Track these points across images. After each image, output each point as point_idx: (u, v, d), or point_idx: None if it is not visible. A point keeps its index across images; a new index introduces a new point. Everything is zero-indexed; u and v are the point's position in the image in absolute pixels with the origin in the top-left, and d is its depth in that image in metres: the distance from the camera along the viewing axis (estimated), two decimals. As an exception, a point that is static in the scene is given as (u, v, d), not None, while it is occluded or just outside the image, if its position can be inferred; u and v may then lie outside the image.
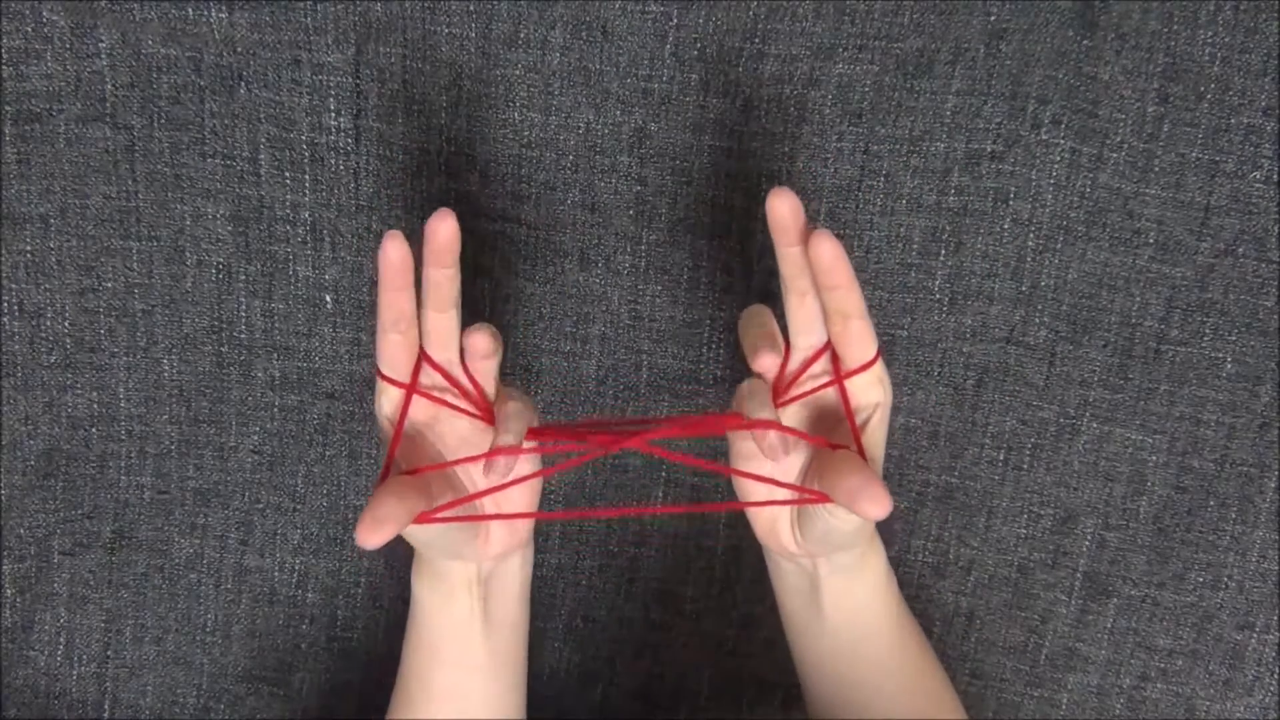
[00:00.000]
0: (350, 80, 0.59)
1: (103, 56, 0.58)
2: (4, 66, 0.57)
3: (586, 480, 0.66)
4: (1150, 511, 0.65)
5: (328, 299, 0.62)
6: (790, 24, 0.58)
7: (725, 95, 0.60)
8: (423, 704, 0.54)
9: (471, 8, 0.58)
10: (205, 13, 0.57)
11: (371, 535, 0.43)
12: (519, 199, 0.61)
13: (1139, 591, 0.67)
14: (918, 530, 0.67)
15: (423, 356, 0.48)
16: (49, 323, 0.62)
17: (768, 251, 0.61)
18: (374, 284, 0.62)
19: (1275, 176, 0.60)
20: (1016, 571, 0.67)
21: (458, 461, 0.48)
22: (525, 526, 0.52)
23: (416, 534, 0.48)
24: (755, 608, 0.67)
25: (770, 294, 0.59)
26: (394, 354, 0.48)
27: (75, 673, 0.67)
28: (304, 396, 0.64)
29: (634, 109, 0.60)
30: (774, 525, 0.53)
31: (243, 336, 0.63)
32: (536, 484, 0.52)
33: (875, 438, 0.50)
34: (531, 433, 0.48)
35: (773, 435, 0.47)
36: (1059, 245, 0.62)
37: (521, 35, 0.58)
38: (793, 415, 0.51)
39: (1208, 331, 0.63)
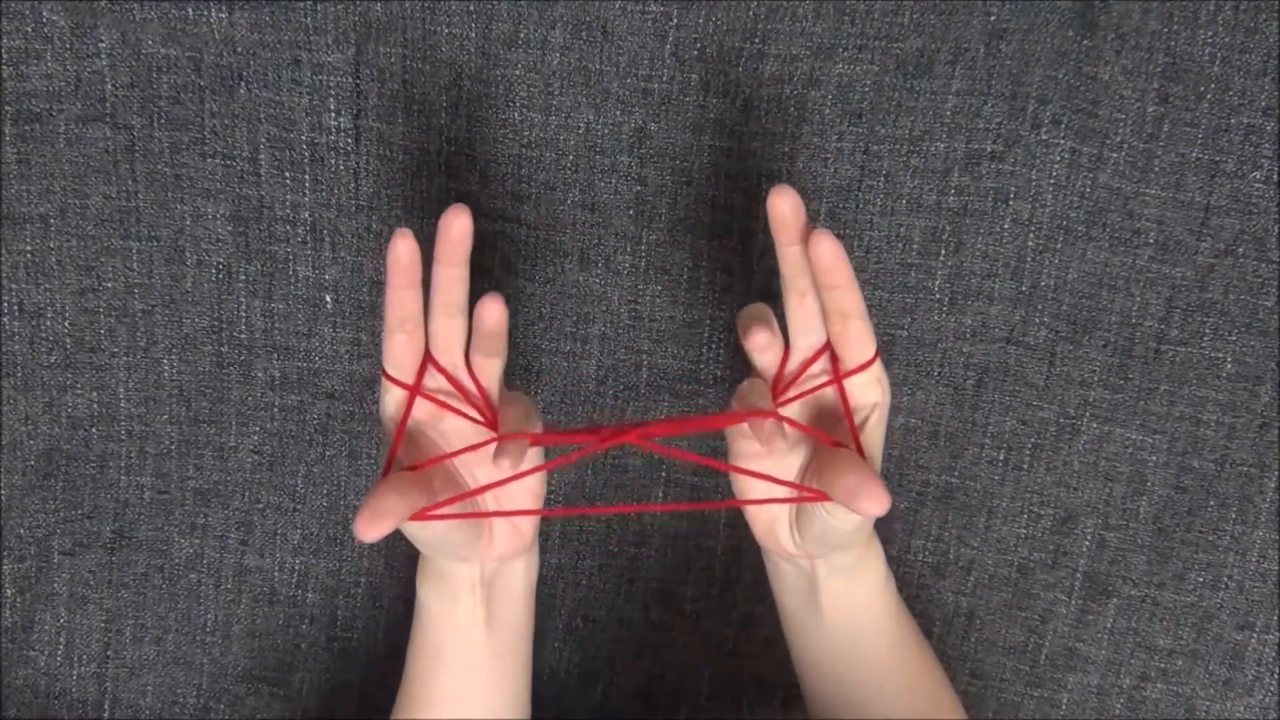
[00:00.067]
0: (350, 80, 0.59)
1: (103, 56, 0.58)
2: (4, 66, 0.57)
3: (586, 480, 0.66)
4: (1150, 511, 0.65)
5: (328, 299, 0.62)
6: (790, 24, 0.58)
7: (725, 95, 0.60)
8: (425, 706, 0.54)
9: (471, 8, 0.58)
10: (205, 13, 0.57)
11: (370, 528, 0.43)
12: (519, 199, 0.61)
13: (1139, 591, 0.67)
14: (918, 530, 0.67)
15: (428, 359, 0.48)
16: (49, 323, 0.62)
17: (768, 251, 0.61)
18: (374, 284, 0.62)
19: (1275, 176, 0.60)
20: (1016, 571, 0.67)
21: (462, 451, 0.48)
22: (529, 529, 0.52)
23: (418, 534, 0.48)
24: (755, 608, 0.67)
25: (770, 294, 0.59)
26: (400, 355, 0.48)
27: (75, 673, 0.67)
28: (304, 396, 0.64)
29: (634, 109, 0.60)
30: (773, 526, 0.53)
31: (243, 336, 0.63)
32: (539, 489, 0.52)
33: (873, 438, 0.50)
34: (534, 439, 0.48)
35: (769, 422, 0.47)
36: (1059, 245, 0.62)
37: (521, 35, 0.58)
38: (791, 415, 0.51)
39: (1208, 331, 0.63)
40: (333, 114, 0.59)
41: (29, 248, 0.60)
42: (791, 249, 0.47)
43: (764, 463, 0.51)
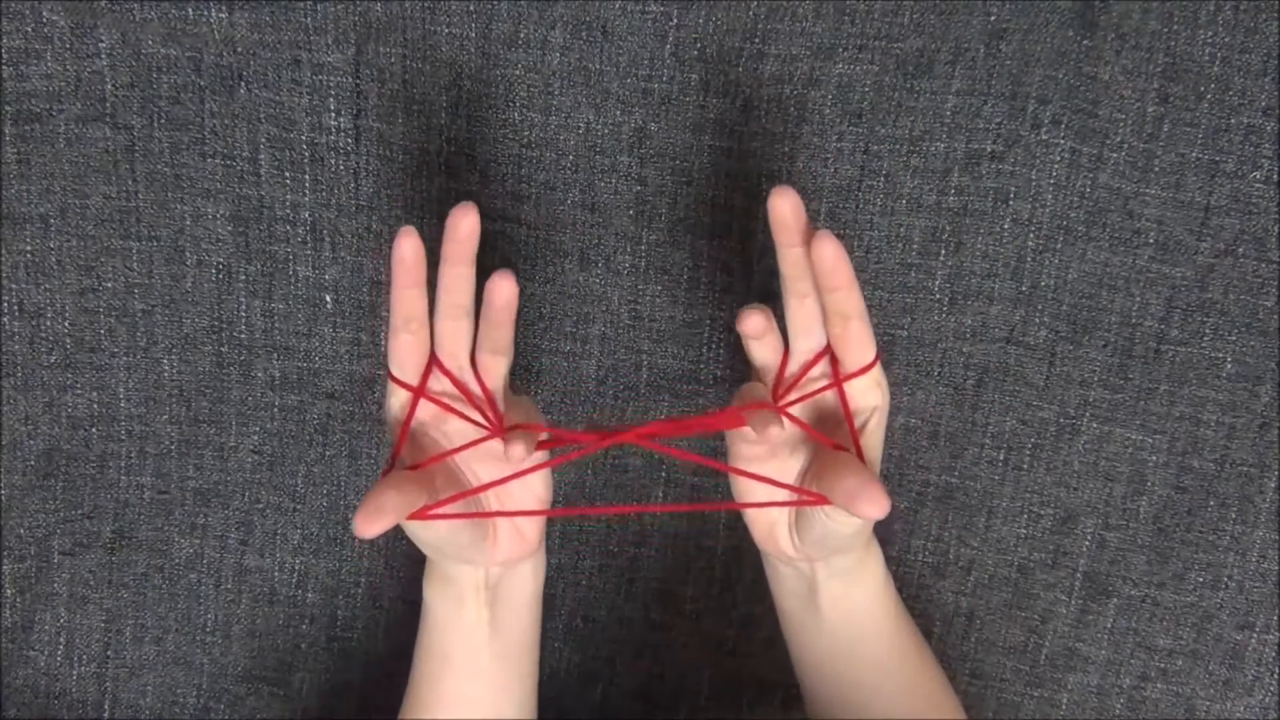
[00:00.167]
0: (350, 80, 0.59)
1: (103, 56, 0.58)
2: (4, 66, 0.57)
3: (586, 480, 0.66)
4: (1150, 511, 0.65)
5: (328, 299, 0.62)
6: (790, 24, 0.58)
7: (725, 95, 0.60)
8: (432, 708, 0.54)
9: (471, 8, 0.58)
10: (205, 13, 0.57)
11: (368, 524, 0.42)
12: (519, 199, 0.61)
13: (1139, 591, 0.67)
14: (918, 530, 0.67)
15: (433, 361, 0.48)
16: (49, 323, 0.62)
17: (768, 251, 0.61)
18: (375, 284, 0.62)
19: (1275, 176, 0.60)
20: (1016, 571, 0.67)
21: (464, 446, 0.48)
22: (533, 533, 0.52)
23: (421, 534, 0.48)
24: (755, 608, 0.67)
25: (770, 294, 0.59)
26: (404, 355, 0.47)
27: (75, 673, 0.67)
28: (304, 396, 0.64)
29: (634, 109, 0.60)
30: (772, 529, 0.53)
31: (243, 336, 0.63)
32: (544, 493, 0.52)
33: (873, 441, 0.50)
34: (538, 434, 0.48)
35: (765, 411, 0.47)
36: (1059, 245, 0.62)
37: (521, 35, 0.58)
38: (792, 416, 0.51)
39: (1208, 331, 0.63)
40: (333, 114, 0.59)
41: (29, 248, 0.60)
42: (792, 250, 0.47)
43: (764, 466, 0.51)
